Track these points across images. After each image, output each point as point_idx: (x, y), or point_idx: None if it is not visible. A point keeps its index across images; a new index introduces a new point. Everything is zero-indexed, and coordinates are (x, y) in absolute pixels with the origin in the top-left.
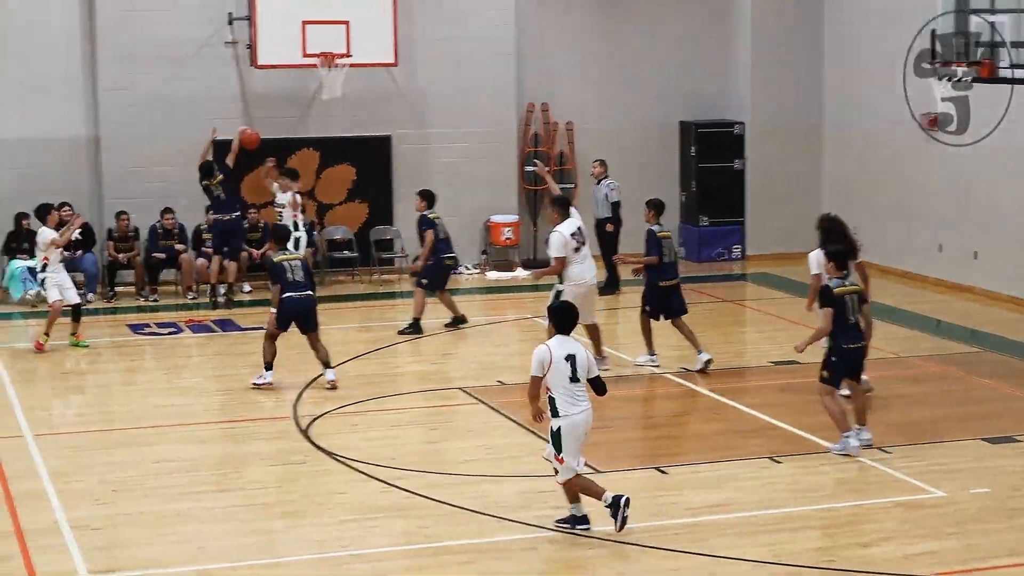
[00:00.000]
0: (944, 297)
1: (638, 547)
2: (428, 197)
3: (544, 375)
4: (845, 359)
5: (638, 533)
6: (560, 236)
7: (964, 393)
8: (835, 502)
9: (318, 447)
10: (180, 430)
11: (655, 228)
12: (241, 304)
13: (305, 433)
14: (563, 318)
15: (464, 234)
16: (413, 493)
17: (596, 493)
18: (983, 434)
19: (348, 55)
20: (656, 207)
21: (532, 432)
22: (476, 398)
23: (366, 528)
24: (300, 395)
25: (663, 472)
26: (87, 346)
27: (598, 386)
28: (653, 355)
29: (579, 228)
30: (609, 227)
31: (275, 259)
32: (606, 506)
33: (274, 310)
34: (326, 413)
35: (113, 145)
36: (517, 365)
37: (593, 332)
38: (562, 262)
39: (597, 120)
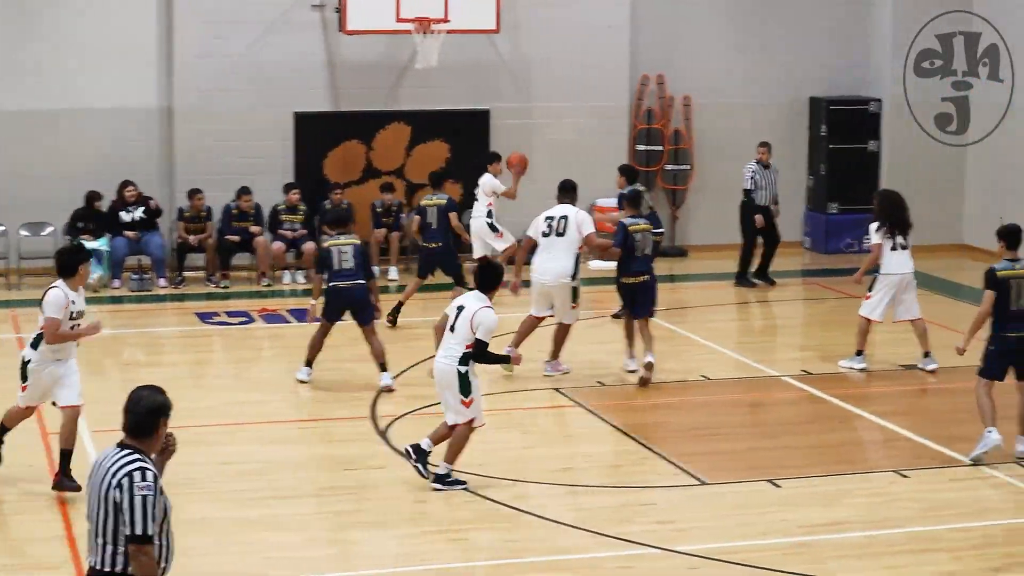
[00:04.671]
0: None
1: (746, 567)
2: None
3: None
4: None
5: (745, 552)
6: None
7: None
8: (966, 522)
9: (397, 451)
10: (250, 429)
11: (627, 220)
12: None
13: (384, 436)
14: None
15: None
16: (502, 504)
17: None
18: None
19: (446, 20)
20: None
21: (633, 439)
22: (573, 400)
23: (450, 541)
24: (379, 393)
25: (776, 485)
26: None
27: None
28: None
29: None
30: (777, 212)
31: (324, 244)
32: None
33: (314, 301)
34: (407, 414)
35: (188, 117)
36: (621, 365)
37: None
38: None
39: (718, 95)
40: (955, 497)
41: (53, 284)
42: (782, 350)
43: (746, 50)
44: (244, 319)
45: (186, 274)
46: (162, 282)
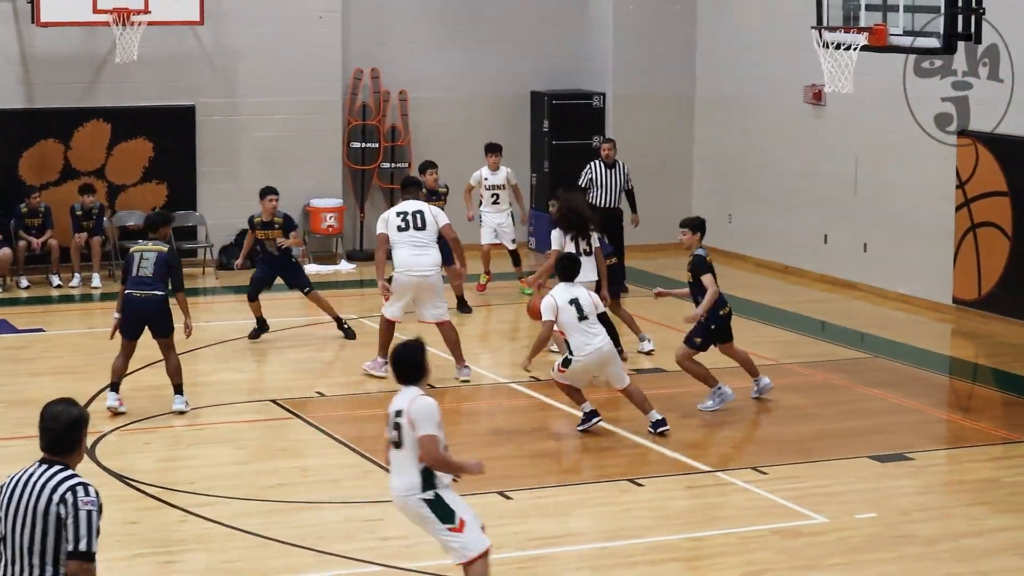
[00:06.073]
0: (830, 295)
1: None
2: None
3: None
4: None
5: None
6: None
7: (850, 405)
8: (703, 530)
9: (105, 469)
10: None
11: None
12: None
13: (90, 453)
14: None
15: None
16: (217, 523)
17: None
18: (871, 451)
19: (146, 11)
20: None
21: (356, 451)
22: (291, 412)
23: (161, 564)
24: (85, 407)
25: (507, 497)
26: None
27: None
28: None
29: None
30: (636, 218)
31: (132, 247)
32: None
33: (117, 314)
34: (114, 430)
35: None
36: (340, 373)
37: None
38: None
39: (435, 89)
40: (691, 505)
41: (420, 393)
42: (510, 355)
43: (462, 42)
44: None
45: None
46: None
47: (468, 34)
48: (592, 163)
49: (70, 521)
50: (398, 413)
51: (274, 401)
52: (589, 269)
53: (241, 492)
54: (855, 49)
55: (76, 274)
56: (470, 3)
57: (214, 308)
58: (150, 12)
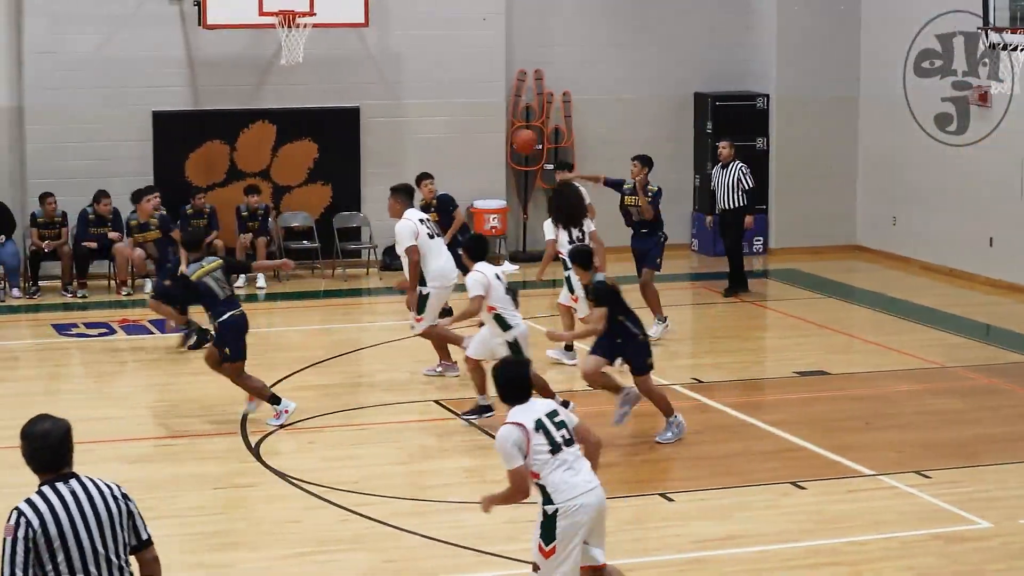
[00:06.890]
0: (996, 299)
1: None
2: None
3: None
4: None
5: (638, 569)
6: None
7: (1015, 409)
8: (865, 534)
9: (269, 468)
10: (109, 447)
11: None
12: None
13: (255, 452)
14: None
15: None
16: (379, 522)
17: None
18: None
19: (311, 13)
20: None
21: None
22: (454, 412)
23: (323, 563)
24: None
25: (668, 499)
26: None
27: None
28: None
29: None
30: (749, 220)
31: (193, 276)
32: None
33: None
34: (279, 429)
35: (39, 116)
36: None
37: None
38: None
39: (598, 90)
40: (853, 508)
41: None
42: (671, 357)
43: (626, 43)
44: (104, 331)
45: (41, 284)
46: (16, 292)
47: (631, 35)
48: (715, 166)
49: (136, 514)
50: (555, 413)
51: (436, 401)
52: None
53: (403, 492)
54: (1022, 50)
55: (241, 275)
56: (633, 4)
57: (377, 309)
58: (315, 14)
